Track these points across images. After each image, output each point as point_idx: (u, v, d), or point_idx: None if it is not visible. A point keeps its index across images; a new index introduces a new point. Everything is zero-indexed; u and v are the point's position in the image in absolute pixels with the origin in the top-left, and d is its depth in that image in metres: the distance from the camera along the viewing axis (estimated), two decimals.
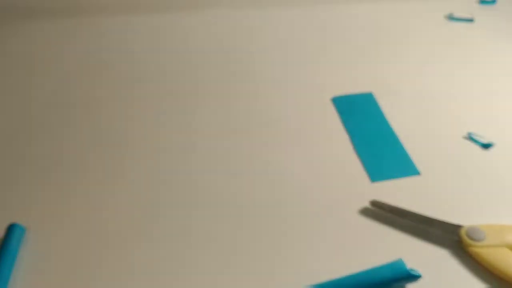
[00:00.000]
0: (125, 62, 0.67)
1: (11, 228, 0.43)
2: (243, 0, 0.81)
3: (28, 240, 0.43)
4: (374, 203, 0.47)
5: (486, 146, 0.55)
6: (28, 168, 0.51)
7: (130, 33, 0.73)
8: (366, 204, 0.47)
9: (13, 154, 0.52)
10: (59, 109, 0.59)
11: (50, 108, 0.59)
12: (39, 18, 0.74)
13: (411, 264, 0.40)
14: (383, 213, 0.46)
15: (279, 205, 0.48)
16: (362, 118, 0.58)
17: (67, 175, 0.50)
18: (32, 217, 0.45)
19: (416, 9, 0.83)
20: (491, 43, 0.74)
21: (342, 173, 0.51)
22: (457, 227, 0.44)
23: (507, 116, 0.60)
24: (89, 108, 0.59)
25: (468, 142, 0.55)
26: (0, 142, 0.54)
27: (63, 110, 0.58)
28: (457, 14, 0.81)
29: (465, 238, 0.43)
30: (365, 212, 0.47)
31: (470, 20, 0.80)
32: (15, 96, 0.61)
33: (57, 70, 0.65)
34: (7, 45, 0.70)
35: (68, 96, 0.61)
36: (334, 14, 0.80)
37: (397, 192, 0.49)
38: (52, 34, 0.72)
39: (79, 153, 0.53)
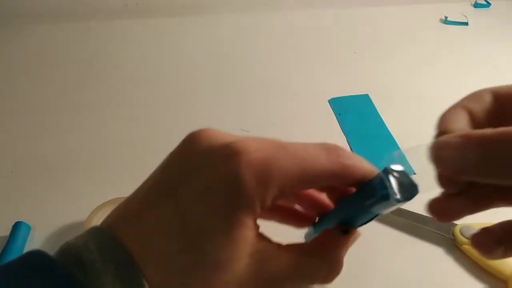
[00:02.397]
0: (129, 65, 0.68)
1: (17, 226, 0.43)
2: (243, 5, 0.81)
3: (33, 238, 0.44)
4: None
5: None
6: (35, 169, 0.51)
7: (135, 36, 0.74)
8: None
9: (20, 155, 0.53)
10: (65, 110, 0.59)
11: (56, 109, 0.59)
12: (47, 22, 0.75)
13: (406, 261, 0.40)
14: None
15: None
16: (358, 119, 0.59)
17: (72, 176, 0.51)
18: (37, 216, 0.46)
19: (412, 13, 0.83)
20: (485, 45, 0.75)
21: None
22: (451, 225, 0.45)
23: None
24: (94, 109, 0.60)
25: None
26: (8, 143, 0.55)
27: (68, 111, 0.59)
28: (452, 17, 0.82)
29: (459, 236, 0.44)
30: None
31: (465, 24, 0.81)
32: (22, 97, 0.61)
33: (63, 72, 0.66)
34: (15, 47, 0.70)
35: (73, 98, 0.61)
36: (331, 17, 0.81)
37: None
38: (60, 37, 0.72)
39: (85, 154, 0.53)
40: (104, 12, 0.78)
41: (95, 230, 0.23)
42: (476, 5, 0.87)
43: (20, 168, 0.51)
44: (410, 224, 0.46)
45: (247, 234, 0.22)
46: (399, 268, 0.42)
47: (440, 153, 0.22)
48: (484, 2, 0.88)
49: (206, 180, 0.22)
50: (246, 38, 0.74)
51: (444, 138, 0.22)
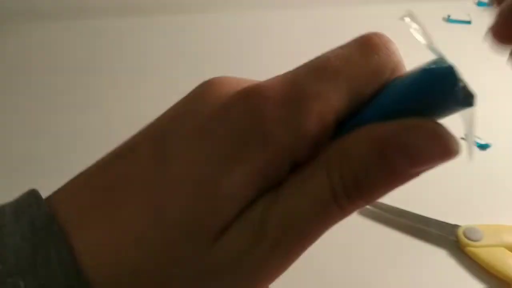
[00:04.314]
0: (126, 63, 0.67)
1: None
2: (243, 3, 0.81)
3: None
4: (372, 203, 0.47)
5: (483, 147, 0.55)
6: (32, 169, 0.51)
7: (132, 34, 0.73)
8: None
9: (17, 154, 0.53)
10: (61, 109, 0.59)
11: (52, 108, 0.59)
12: (44, 20, 0.75)
13: (408, 264, 0.40)
14: (381, 213, 0.46)
15: None
16: None
17: (69, 175, 0.50)
18: None
19: (414, 11, 0.83)
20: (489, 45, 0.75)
21: None
22: (455, 227, 0.44)
23: (504, 117, 0.60)
24: (91, 108, 0.59)
25: (465, 143, 0.56)
26: (6, 142, 0.54)
27: (65, 110, 0.59)
28: (455, 16, 0.81)
29: (462, 238, 0.43)
30: (363, 212, 0.47)
31: (468, 22, 0.81)
32: (18, 96, 0.61)
33: (60, 70, 0.65)
34: (11, 46, 0.70)
35: (71, 96, 0.61)
36: (331, 16, 0.80)
37: (394, 192, 0.49)
38: (56, 36, 0.72)
39: (84, 154, 0.53)
40: (103, 10, 0.77)
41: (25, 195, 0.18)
42: (479, 3, 0.86)
43: (17, 168, 0.51)
44: (412, 226, 0.45)
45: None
46: (401, 270, 0.42)
47: None
48: (487, 0, 0.87)
49: (213, 118, 0.17)
50: (246, 38, 0.74)
51: None
